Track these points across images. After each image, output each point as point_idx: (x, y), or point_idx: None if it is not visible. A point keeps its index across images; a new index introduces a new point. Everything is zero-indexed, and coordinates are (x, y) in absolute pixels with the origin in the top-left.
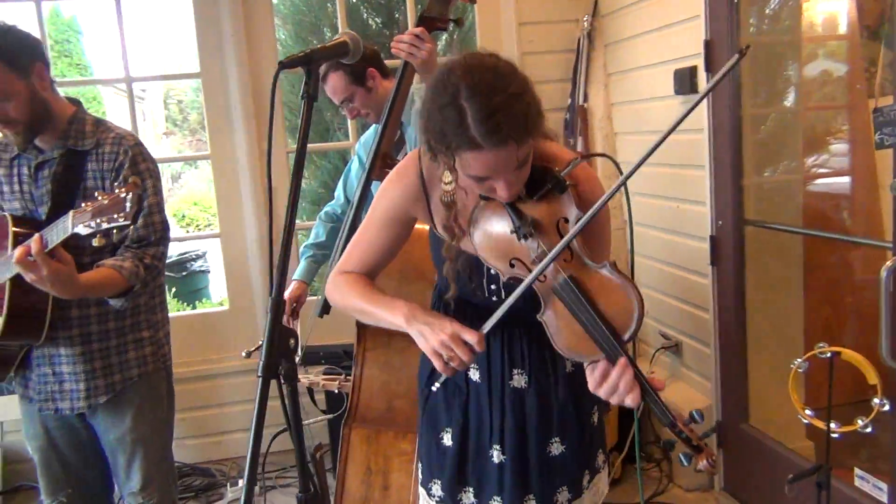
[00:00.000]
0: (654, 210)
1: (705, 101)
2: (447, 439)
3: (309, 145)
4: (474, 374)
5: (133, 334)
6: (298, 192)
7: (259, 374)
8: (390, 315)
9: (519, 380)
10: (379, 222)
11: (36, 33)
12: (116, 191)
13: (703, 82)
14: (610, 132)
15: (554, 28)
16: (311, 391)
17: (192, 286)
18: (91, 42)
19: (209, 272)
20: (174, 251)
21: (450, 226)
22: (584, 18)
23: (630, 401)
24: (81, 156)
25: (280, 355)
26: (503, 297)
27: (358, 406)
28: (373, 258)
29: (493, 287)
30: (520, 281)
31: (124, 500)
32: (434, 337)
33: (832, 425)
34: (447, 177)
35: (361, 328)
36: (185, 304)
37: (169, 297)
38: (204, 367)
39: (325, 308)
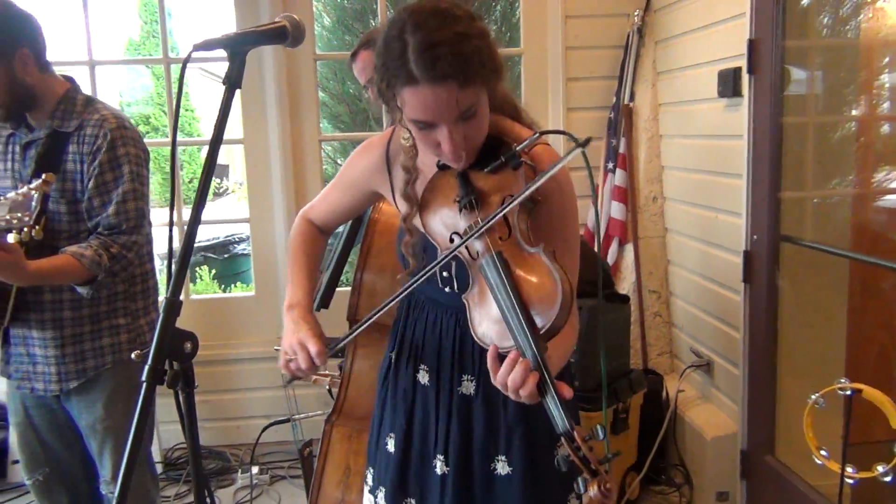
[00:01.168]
0: (692, 219)
1: (746, 105)
2: (390, 445)
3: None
4: (423, 378)
5: (109, 321)
6: (208, 185)
7: (142, 378)
8: (289, 293)
9: (468, 386)
10: (342, 185)
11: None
12: (27, 188)
13: (745, 85)
14: (655, 134)
15: (602, 22)
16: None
17: (233, 269)
18: (179, 24)
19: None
20: (220, 233)
21: (407, 193)
22: (636, 13)
23: (524, 395)
24: (64, 137)
25: (172, 359)
26: (455, 287)
27: (345, 402)
28: (331, 216)
29: (444, 275)
30: (458, 261)
31: (101, 486)
32: (287, 337)
33: (849, 469)
34: (405, 133)
35: (353, 323)
36: (225, 286)
37: (209, 279)
38: (227, 351)
39: (324, 301)
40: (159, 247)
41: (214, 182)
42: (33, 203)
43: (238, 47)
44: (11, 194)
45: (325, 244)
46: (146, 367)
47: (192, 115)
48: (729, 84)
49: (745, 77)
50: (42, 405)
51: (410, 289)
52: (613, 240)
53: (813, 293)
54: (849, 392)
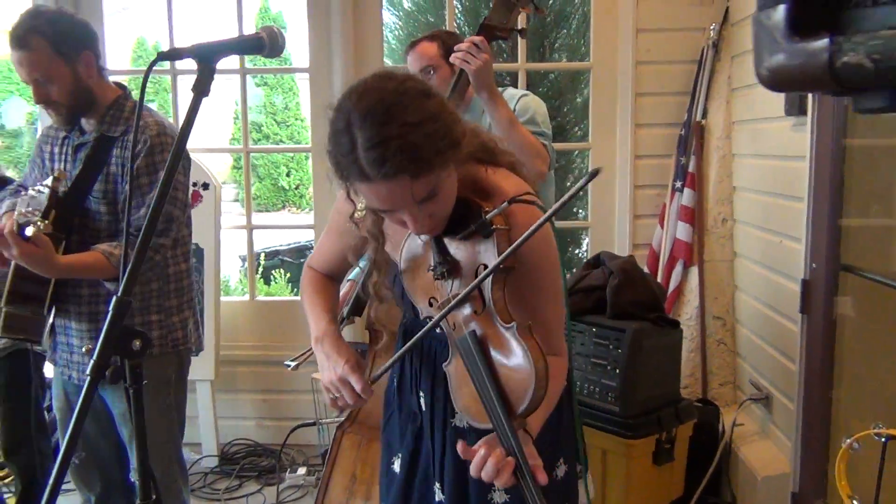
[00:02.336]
0: (760, 243)
1: (810, 124)
2: (396, 465)
3: None
4: (424, 404)
5: (142, 317)
6: (168, 190)
7: (87, 372)
8: (312, 329)
9: (461, 419)
10: (333, 233)
11: (233, 24)
12: (40, 185)
13: (810, 103)
14: (727, 153)
15: (675, 36)
16: None
17: None
18: (293, 35)
19: None
20: (296, 238)
21: (375, 260)
22: (712, 27)
23: (498, 483)
24: (111, 141)
25: (121, 356)
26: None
27: (360, 412)
28: (329, 262)
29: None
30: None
31: (130, 474)
32: (326, 373)
33: None
34: (360, 204)
35: (373, 331)
36: (297, 290)
37: (283, 282)
38: (287, 352)
39: (355, 310)
40: (240, 249)
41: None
42: (44, 198)
43: (207, 57)
44: (31, 191)
45: (337, 288)
46: (90, 363)
47: (302, 123)
48: (795, 102)
49: (810, 94)
50: (80, 391)
51: (401, 355)
52: (678, 262)
53: (877, 329)
54: (883, 439)
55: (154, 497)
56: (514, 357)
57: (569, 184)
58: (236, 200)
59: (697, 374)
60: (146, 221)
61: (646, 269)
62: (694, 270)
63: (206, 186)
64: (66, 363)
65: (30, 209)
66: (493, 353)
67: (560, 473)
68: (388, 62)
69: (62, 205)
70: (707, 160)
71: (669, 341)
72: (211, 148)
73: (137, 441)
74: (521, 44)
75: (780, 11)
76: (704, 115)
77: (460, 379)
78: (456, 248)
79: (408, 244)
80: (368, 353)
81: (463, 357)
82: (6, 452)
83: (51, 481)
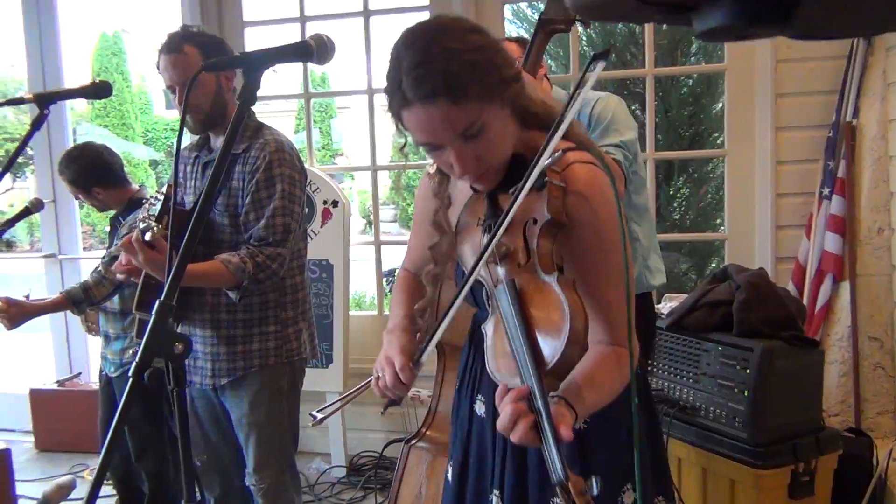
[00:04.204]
0: None
1: None
2: (450, 474)
3: None
4: (479, 408)
5: (260, 327)
6: (214, 193)
7: (129, 374)
8: (389, 323)
9: None
10: (416, 224)
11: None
12: (156, 193)
13: None
14: (883, 155)
15: None
16: None
17: None
18: None
19: None
20: None
21: (436, 221)
22: None
23: (514, 437)
24: (233, 158)
25: (165, 359)
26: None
27: (429, 428)
28: (416, 259)
29: (490, 302)
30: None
31: (245, 478)
32: (380, 356)
33: None
34: (430, 167)
35: (441, 347)
36: None
37: None
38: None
39: None
40: (385, 265)
41: None
42: (158, 205)
43: (254, 65)
44: (151, 199)
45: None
46: (133, 364)
47: None
48: None
49: None
50: (204, 396)
51: (441, 328)
52: (827, 276)
53: None
54: None
55: (199, 499)
56: (549, 307)
57: (709, 196)
58: (394, 221)
59: (850, 401)
60: (192, 221)
61: (790, 285)
62: (845, 286)
63: (335, 204)
64: (187, 368)
65: (147, 215)
66: (528, 303)
67: (627, 501)
68: None
69: (179, 213)
70: (859, 164)
71: (807, 362)
72: (342, 167)
73: (182, 443)
74: (649, 49)
75: None
76: (856, 114)
77: (495, 335)
78: (507, 204)
79: (466, 203)
80: (437, 372)
81: (500, 307)
82: (136, 456)
83: (95, 475)
